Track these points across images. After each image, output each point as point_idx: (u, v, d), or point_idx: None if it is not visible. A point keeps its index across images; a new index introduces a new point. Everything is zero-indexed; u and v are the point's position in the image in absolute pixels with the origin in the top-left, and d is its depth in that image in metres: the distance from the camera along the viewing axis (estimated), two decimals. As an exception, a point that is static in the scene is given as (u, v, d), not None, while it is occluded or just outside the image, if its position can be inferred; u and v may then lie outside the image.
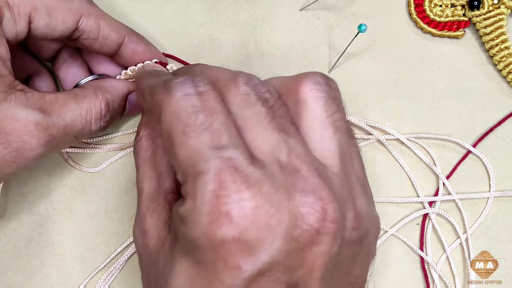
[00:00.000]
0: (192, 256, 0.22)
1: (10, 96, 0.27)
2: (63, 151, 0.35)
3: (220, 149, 0.22)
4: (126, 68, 0.34)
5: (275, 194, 0.22)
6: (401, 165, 0.36)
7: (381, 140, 0.36)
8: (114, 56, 0.33)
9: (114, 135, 0.35)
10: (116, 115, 0.32)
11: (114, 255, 0.34)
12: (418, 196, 0.36)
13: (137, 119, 0.35)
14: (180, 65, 0.37)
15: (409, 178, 0.36)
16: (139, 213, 0.27)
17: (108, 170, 0.35)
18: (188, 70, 0.29)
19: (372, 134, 0.36)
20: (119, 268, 0.34)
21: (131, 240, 0.34)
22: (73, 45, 0.33)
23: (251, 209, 0.21)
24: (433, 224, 0.35)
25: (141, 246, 0.26)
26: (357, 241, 0.24)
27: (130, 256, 0.34)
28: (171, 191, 0.27)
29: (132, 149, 0.33)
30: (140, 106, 0.32)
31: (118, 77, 0.34)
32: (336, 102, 0.25)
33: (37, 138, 0.27)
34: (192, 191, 0.22)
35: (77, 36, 0.31)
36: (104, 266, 0.34)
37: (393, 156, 0.36)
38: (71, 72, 0.34)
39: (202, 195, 0.21)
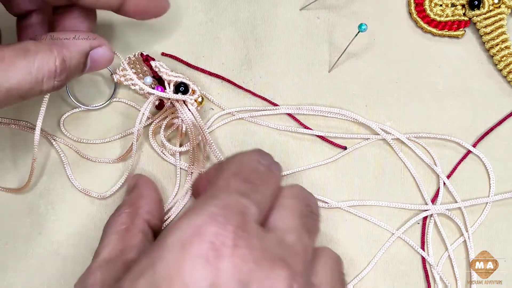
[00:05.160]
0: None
1: None
2: (60, 153, 0.35)
3: (243, 196, 0.24)
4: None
5: (262, 256, 0.22)
6: (406, 165, 0.36)
7: (387, 140, 0.36)
8: (118, 11, 0.31)
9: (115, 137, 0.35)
10: (74, 73, 0.30)
11: (114, 255, 0.34)
12: (422, 196, 0.35)
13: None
14: (180, 64, 0.37)
15: (413, 177, 0.36)
16: (90, 268, 0.28)
17: (108, 171, 0.35)
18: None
19: (378, 133, 0.36)
20: (119, 268, 0.34)
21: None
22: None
23: (231, 247, 0.22)
24: (434, 222, 0.35)
25: None
26: None
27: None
28: (133, 260, 0.28)
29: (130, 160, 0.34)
30: (106, 62, 0.31)
31: (115, 77, 0.34)
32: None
33: None
34: (198, 202, 0.24)
35: None
36: (104, 266, 0.34)
37: (399, 156, 0.36)
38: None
39: (201, 210, 0.23)
